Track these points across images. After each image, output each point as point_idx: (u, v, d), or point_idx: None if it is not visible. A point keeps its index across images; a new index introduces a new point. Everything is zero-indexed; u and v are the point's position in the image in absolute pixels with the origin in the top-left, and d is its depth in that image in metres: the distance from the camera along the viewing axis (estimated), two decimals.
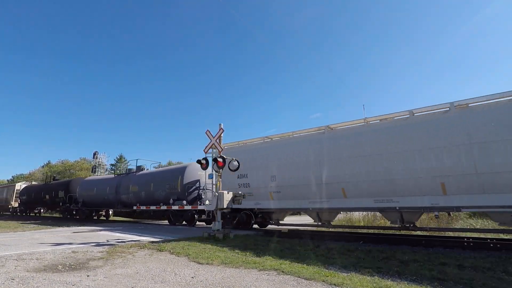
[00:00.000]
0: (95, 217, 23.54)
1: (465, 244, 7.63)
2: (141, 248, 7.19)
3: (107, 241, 8.77)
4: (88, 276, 4.53)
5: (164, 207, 15.92)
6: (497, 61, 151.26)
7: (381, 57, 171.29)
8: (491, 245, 7.33)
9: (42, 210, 31.63)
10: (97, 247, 7.39)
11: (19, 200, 32.04)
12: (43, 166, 58.87)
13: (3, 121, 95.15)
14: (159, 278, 4.41)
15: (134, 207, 17.89)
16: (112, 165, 48.87)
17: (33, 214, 31.61)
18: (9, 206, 32.74)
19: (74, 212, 24.01)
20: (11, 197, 32.79)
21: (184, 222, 15.38)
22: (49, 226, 15.12)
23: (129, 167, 21.85)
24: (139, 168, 20.23)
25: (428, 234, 10.63)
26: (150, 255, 6.29)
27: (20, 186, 33.45)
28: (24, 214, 31.62)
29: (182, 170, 15.96)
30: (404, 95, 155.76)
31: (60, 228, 13.75)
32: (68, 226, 15.29)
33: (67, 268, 5.10)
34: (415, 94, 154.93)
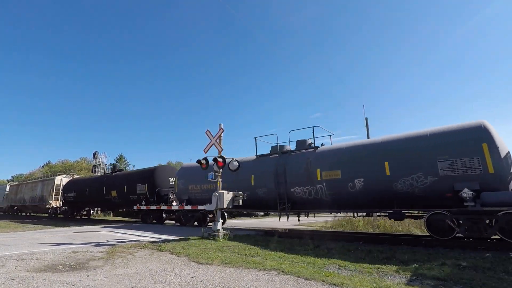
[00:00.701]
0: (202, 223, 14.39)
1: (465, 244, 7.64)
2: (141, 248, 7.20)
3: (107, 241, 8.77)
4: (88, 276, 4.53)
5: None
6: (497, 61, 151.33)
7: (381, 57, 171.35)
8: (491, 245, 7.33)
9: (92, 212, 25.55)
10: (97, 247, 7.39)
11: (62, 199, 24.71)
12: (43, 166, 58.91)
13: (3, 121, 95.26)
14: (159, 278, 4.41)
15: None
16: (112, 165, 48.85)
17: (79, 217, 25.30)
18: (48, 207, 25.06)
19: (165, 215, 16.06)
20: (49, 195, 24.87)
21: None
22: (49, 226, 15.11)
23: (277, 144, 12.33)
24: (303, 143, 11.81)
25: (428, 234, 10.62)
26: (150, 255, 6.29)
27: (60, 180, 25.47)
28: (69, 216, 24.67)
29: (484, 133, 8.05)
30: (404, 95, 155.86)
31: (60, 228, 13.75)
32: (68, 226, 15.28)
33: (67, 268, 5.10)
34: (415, 94, 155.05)
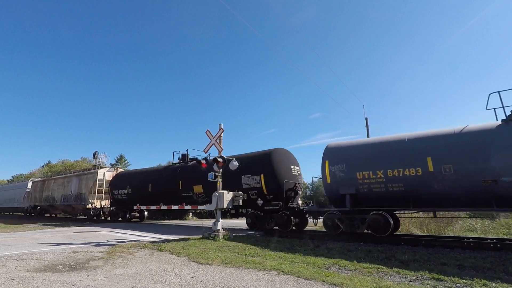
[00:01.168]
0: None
1: (465, 244, 7.64)
2: (141, 248, 7.20)
3: (107, 241, 8.77)
4: (88, 276, 4.53)
5: None
6: (497, 61, 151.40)
7: (381, 57, 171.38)
8: (491, 245, 7.33)
9: (146, 213, 19.40)
10: (97, 247, 7.39)
11: (110, 197, 19.27)
12: (43, 166, 58.92)
13: (3, 121, 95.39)
14: (159, 278, 4.41)
15: None
16: (112, 165, 48.82)
17: (128, 219, 18.66)
18: (89, 207, 19.99)
19: (294, 219, 10.84)
20: (89, 192, 20.01)
21: None
22: (49, 226, 15.11)
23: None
24: None
25: (428, 234, 10.63)
26: (150, 255, 6.29)
27: (103, 174, 20.59)
28: (119, 219, 18.69)
29: None
30: (404, 95, 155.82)
31: (60, 228, 13.75)
32: (68, 226, 15.28)
33: (67, 268, 5.10)
34: (415, 94, 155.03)
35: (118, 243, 8.13)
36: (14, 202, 30.48)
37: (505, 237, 9.75)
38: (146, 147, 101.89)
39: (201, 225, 15.65)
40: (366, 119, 22.48)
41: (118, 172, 21.18)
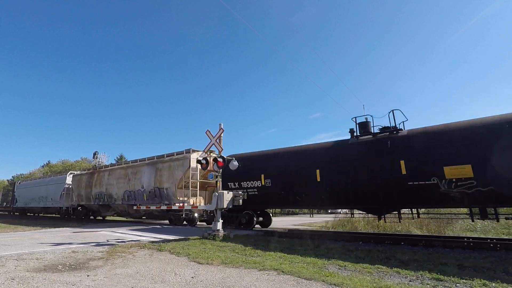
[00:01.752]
0: None
1: (465, 244, 7.64)
2: (141, 248, 7.20)
3: (107, 241, 8.77)
4: (88, 276, 4.53)
5: None
6: (497, 61, 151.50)
7: (381, 57, 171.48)
8: (491, 245, 7.34)
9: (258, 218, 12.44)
10: (97, 247, 7.39)
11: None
12: (43, 166, 59.02)
13: (3, 121, 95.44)
14: (159, 278, 4.41)
15: None
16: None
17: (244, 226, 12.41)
18: (179, 205, 12.66)
19: None
20: (176, 187, 14.60)
21: None
22: (49, 226, 15.11)
23: None
24: None
25: (428, 234, 10.64)
26: (150, 255, 6.29)
27: (196, 161, 12.26)
28: (247, 223, 12.43)
29: None
30: (404, 95, 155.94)
31: (60, 228, 13.75)
32: (68, 226, 15.28)
33: (67, 268, 5.10)
34: (415, 94, 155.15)
35: (118, 243, 8.13)
36: (46, 201, 24.72)
37: (505, 237, 9.75)
38: (146, 147, 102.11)
39: (201, 225, 15.65)
40: (366, 119, 22.34)
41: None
